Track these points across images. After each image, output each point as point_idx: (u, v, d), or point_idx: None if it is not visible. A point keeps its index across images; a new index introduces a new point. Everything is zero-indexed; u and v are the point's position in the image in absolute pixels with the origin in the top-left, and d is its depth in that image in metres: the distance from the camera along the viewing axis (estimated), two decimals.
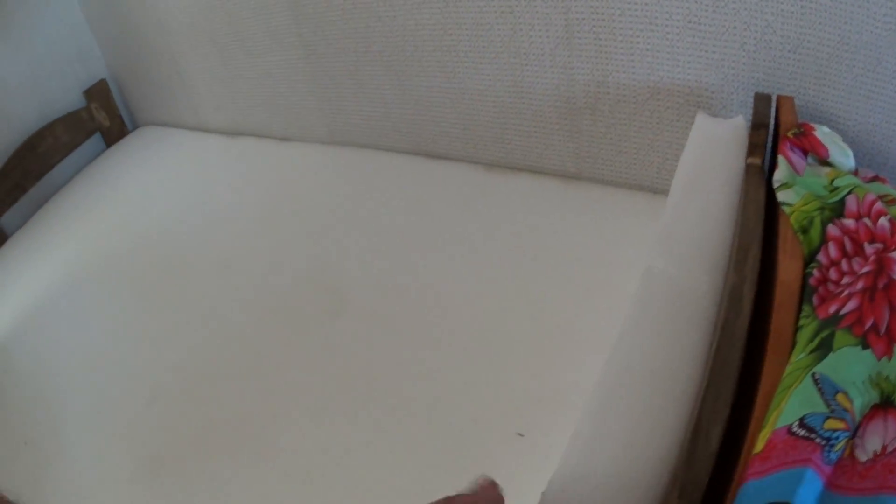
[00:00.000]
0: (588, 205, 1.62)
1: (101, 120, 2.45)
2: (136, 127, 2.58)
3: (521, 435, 1.22)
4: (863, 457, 0.69)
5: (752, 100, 1.31)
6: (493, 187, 1.74)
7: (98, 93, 2.44)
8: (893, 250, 0.87)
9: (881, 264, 0.86)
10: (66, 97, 2.36)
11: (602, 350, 1.23)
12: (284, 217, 1.88)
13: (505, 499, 0.72)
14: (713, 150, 1.27)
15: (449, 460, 1.22)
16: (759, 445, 0.73)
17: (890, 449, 0.68)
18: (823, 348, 0.80)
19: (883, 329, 0.79)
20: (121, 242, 1.99)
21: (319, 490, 1.26)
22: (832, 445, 0.69)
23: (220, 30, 2.07)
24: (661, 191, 1.59)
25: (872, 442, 0.70)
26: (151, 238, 1.96)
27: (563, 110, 1.61)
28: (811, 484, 0.66)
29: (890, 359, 0.77)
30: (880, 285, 0.84)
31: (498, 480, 0.75)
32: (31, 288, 1.92)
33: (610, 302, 1.34)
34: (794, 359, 0.81)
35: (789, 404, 0.75)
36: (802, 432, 0.71)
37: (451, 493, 0.75)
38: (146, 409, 1.50)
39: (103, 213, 2.14)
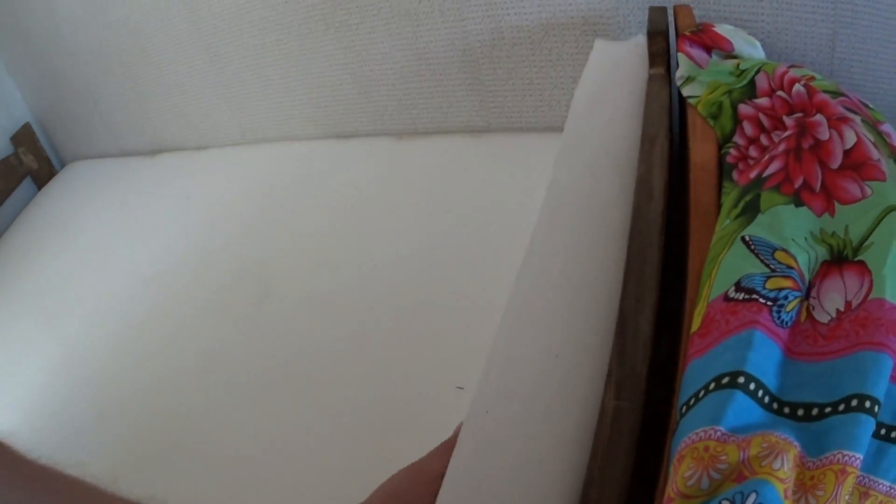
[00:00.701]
0: (501, 154, 1.46)
1: (29, 163, 2.24)
2: (63, 165, 2.37)
3: (460, 388, 1.05)
4: (824, 318, 0.53)
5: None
6: (405, 155, 1.57)
7: (24, 137, 2.24)
8: (814, 113, 0.72)
9: (803, 128, 0.71)
10: None
11: None
12: (208, 221, 1.69)
13: None
14: (614, 69, 1.11)
15: (397, 419, 1.06)
16: (696, 323, 0.57)
17: (856, 304, 0.52)
18: (750, 211, 0.64)
19: (818, 187, 0.64)
20: (66, 278, 1.80)
21: (274, 470, 1.11)
22: (781, 305, 0.53)
23: (127, 49, 1.89)
24: None
25: (832, 300, 0.54)
26: (91, 268, 1.77)
27: (461, 64, 1.44)
28: (764, 348, 0.50)
29: (833, 215, 0.61)
30: (805, 146, 0.69)
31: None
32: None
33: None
34: (718, 228, 0.66)
35: (720, 272, 0.59)
36: (741, 296, 0.55)
37: (406, 451, 0.61)
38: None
39: (48, 252, 1.93)
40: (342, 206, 1.51)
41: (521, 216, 1.26)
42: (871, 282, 0.52)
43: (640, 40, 1.15)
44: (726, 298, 0.55)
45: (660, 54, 1.06)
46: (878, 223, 0.56)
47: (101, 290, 1.65)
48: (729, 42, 0.99)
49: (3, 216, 2.17)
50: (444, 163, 1.49)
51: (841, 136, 0.67)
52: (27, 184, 2.27)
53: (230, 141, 1.90)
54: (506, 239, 1.26)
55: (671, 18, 1.11)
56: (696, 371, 0.52)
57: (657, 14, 1.12)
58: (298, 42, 1.58)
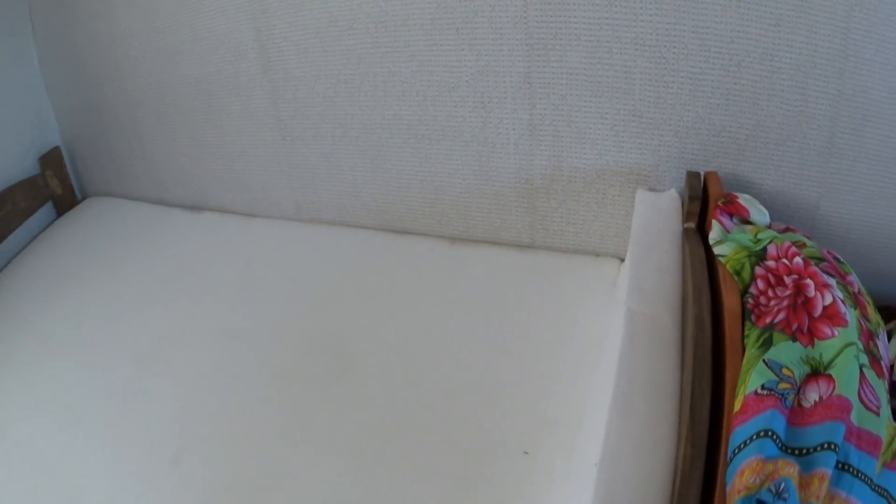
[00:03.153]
0: (542, 268, 2.05)
1: (54, 188, 2.66)
2: (84, 197, 2.81)
3: (526, 453, 1.59)
4: (807, 405, 1.12)
5: (683, 175, 1.79)
6: (457, 257, 2.14)
7: (52, 160, 2.65)
8: (806, 278, 1.33)
9: (798, 288, 1.32)
10: (21, 163, 2.56)
11: (576, 378, 1.69)
12: (259, 290, 2.17)
13: None
14: (655, 218, 1.74)
15: (466, 480, 1.56)
16: (737, 407, 1.14)
17: (825, 397, 1.11)
18: (767, 344, 1.23)
19: (805, 329, 1.24)
20: (100, 316, 2.19)
21: None
22: (786, 398, 1.12)
23: (194, 107, 2.37)
24: (602, 254, 2.05)
25: (811, 395, 1.13)
26: (132, 310, 2.19)
27: (521, 190, 2.04)
28: (778, 419, 1.08)
29: (813, 347, 1.21)
30: (799, 302, 1.29)
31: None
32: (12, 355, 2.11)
33: (573, 343, 1.80)
34: (747, 353, 1.24)
35: (752, 379, 1.17)
36: (765, 392, 1.13)
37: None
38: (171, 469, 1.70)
39: (72, 286, 2.33)
40: (400, 295, 2.05)
41: (560, 318, 1.87)
42: (835, 386, 1.12)
43: (674, 194, 1.81)
44: (756, 393, 1.13)
45: (694, 213, 1.69)
46: (840, 353, 1.16)
47: (154, 336, 2.06)
48: (747, 210, 1.61)
49: (22, 236, 2.57)
50: (493, 269, 2.08)
51: (822, 297, 1.27)
52: (47, 207, 2.68)
53: (282, 215, 2.43)
54: (549, 336, 1.85)
55: (702, 182, 1.74)
56: (740, 432, 1.10)
57: (693, 179, 1.74)
58: (377, 143, 2.14)
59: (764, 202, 1.63)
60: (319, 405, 1.78)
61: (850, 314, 1.25)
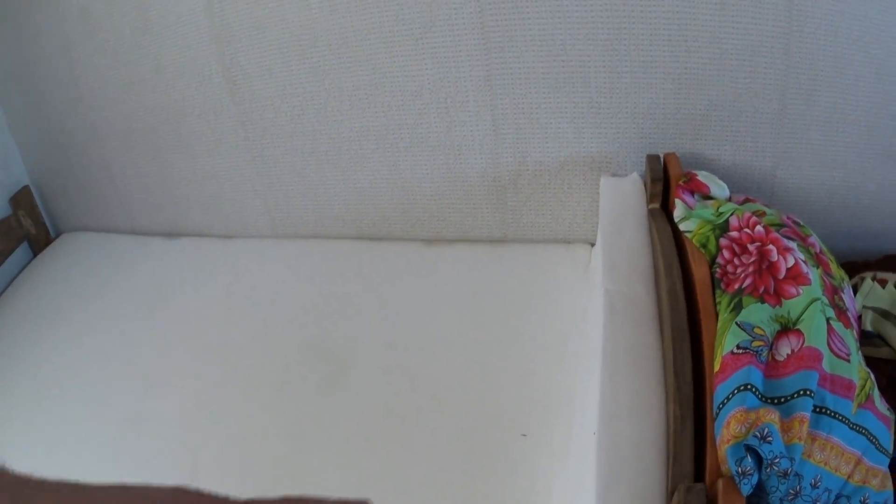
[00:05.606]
0: (517, 259, 2.12)
1: (27, 227, 2.64)
2: (58, 234, 2.79)
3: (524, 435, 1.65)
4: (780, 358, 1.19)
5: (643, 159, 1.87)
6: (434, 258, 2.20)
7: (23, 200, 2.62)
8: (768, 244, 1.41)
9: (762, 254, 1.39)
10: None
11: (561, 358, 1.76)
12: (245, 307, 2.20)
13: None
14: (621, 202, 1.81)
15: (469, 466, 1.62)
16: (717, 367, 1.21)
17: (797, 350, 1.19)
18: (738, 308, 1.30)
19: (772, 290, 1.31)
20: (87, 352, 2.19)
21: None
22: (760, 354, 1.18)
23: (162, 135, 2.38)
24: (573, 240, 2.13)
25: (784, 350, 1.19)
26: (130, 340, 2.19)
27: (490, 188, 2.10)
28: (755, 374, 1.15)
29: (781, 306, 1.28)
30: (763, 266, 1.36)
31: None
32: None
33: (555, 326, 1.88)
34: (721, 318, 1.31)
35: (727, 340, 1.23)
36: (740, 351, 1.19)
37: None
38: None
39: (58, 322, 2.33)
40: (386, 299, 2.10)
41: (540, 303, 1.93)
42: (804, 338, 1.19)
43: (636, 178, 1.89)
44: (732, 353, 1.20)
45: (657, 194, 1.76)
46: (806, 308, 1.23)
47: (150, 361, 2.08)
48: (707, 187, 1.68)
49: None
50: (470, 266, 2.15)
51: (785, 259, 1.34)
52: (23, 248, 2.66)
53: (259, 233, 2.46)
54: (534, 320, 1.91)
55: (661, 163, 1.81)
56: (722, 389, 1.16)
57: (653, 162, 1.82)
58: (347, 155, 2.19)
59: (723, 176, 1.70)
60: (323, 408, 1.83)
61: (813, 273, 1.32)
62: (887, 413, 1.23)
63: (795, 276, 1.31)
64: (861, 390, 1.18)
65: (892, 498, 1.17)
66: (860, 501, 1.13)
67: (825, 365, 1.16)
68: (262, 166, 2.32)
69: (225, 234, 2.53)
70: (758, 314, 1.26)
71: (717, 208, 1.57)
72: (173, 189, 2.52)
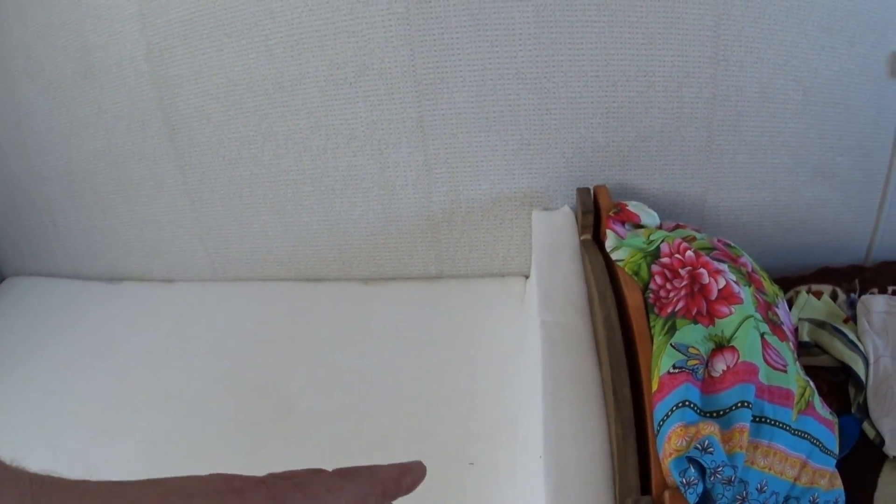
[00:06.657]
0: (453, 295, 2.10)
1: None
2: (2, 278, 2.70)
3: (471, 464, 1.63)
4: (716, 374, 1.19)
5: (573, 192, 1.88)
6: (371, 297, 2.17)
7: None
8: (699, 268, 1.42)
9: (693, 278, 1.40)
10: None
11: (502, 389, 1.74)
12: (189, 350, 2.14)
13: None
14: (553, 234, 1.82)
15: (418, 498, 1.59)
16: (655, 387, 1.21)
17: (732, 366, 1.19)
18: (672, 330, 1.30)
19: (705, 311, 1.32)
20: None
21: None
22: (696, 372, 1.19)
23: (103, 179, 2.32)
24: (507, 274, 2.13)
25: (719, 366, 1.20)
26: (72, 386, 2.11)
27: (424, 226, 2.09)
28: (692, 391, 1.15)
29: (714, 325, 1.29)
30: (695, 289, 1.38)
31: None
32: None
33: (494, 358, 1.87)
34: (656, 341, 1.31)
35: (663, 362, 1.23)
36: (676, 371, 1.19)
37: None
38: None
39: (3, 370, 2.24)
40: (326, 339, 2.06)
41: (476, 336, 1.92)
42: (739, 354, 1.20)
43: (567, 210, 1.90)
44: (669, 373, 1.20)
45: (588, 226, 1.77)
46: (739, 326, 1.25)
47: (100, 406, 1.99)
48: (637, 216, 1.69)
49: None
50: (406, 303, 2.13)
51: (716, 281, 1.36)
52: None
53: (200, 277, 2.39)
54: (471, 353, 1.90)
55: (592, 195, 1.83)
56: (660, 408, 1.16)
57: (584, 195, 1.83)
58: (284, 198, 2.15)
59: (653, 205, 1.73)
60: (271, 451, 1.77)
61: (745, 292, 1.34)
62: (829, 417, 1.25)
63: (727, 296, 1.32)
64: (801, 398, 1.20)
65: (842, 495, 1.19)
66: (810, 501, 1.15)
67: (762, 377, 1.17)
68: (202, 210, 2.28)
69: (166, 279, 2.46)
70: (692, 335, 1.27)
71: (648, 236, 1.59)
72: (114, 233, 2.45)
